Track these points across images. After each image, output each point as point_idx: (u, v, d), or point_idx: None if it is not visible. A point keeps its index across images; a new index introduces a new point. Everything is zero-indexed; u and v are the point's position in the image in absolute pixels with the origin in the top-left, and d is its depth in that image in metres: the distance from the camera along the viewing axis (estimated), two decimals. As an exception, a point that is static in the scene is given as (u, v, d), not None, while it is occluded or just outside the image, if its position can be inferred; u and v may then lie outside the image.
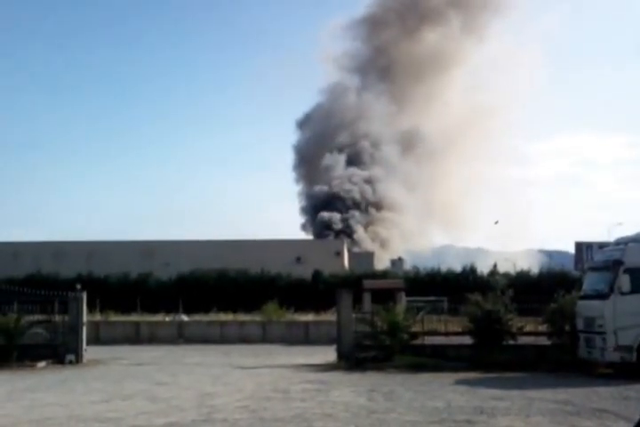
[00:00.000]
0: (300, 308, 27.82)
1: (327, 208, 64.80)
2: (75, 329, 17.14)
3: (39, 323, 17.24)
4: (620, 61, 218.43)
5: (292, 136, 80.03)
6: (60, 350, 16.82)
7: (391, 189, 66.68)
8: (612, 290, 13.19)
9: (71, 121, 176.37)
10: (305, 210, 70.80)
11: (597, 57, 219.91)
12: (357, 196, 65.99)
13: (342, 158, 69.23)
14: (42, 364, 16.17)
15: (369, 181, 67.22)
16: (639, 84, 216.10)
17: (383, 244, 64.44)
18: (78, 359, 16.88)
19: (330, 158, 68.68)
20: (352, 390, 11.65)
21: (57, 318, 17.33)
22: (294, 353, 19.29)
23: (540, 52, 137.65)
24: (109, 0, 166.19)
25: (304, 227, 69.73)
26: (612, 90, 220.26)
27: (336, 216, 63.55)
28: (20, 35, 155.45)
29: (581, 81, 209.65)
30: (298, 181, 76.11)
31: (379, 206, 66.64)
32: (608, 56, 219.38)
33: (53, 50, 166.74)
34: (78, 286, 17.96)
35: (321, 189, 67.15)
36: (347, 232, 62.19)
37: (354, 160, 69.77)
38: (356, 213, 64.68)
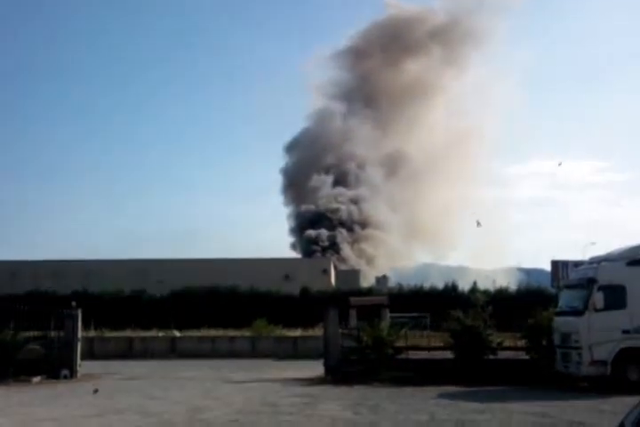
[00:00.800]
0: (289, 323, 27.59)
1: (314, 226, 64.75)
2: (70, 345, 16.91)
3: (35, 339, 17.00)
4: (590, 91, 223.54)
5: (280, 161, 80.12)
6: (56, 366, 16.52)
7: (376, 209, 66.93)
8: (586, 307, 13.21)
9: (68, 143, 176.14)
10: (294, 230, 70.71)
11: (570, 86, 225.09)
12: (344, 214, 66.09)
13: (329, 179, 69.51)
14: (37, 379, 15.87)
15: (355, 201, 67.44)
16: (608, 113, 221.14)
17: (369, 261, 64.41)
18: (73, 374, 16.61)
19: (317, 179, 68.92)
20: (339, 403, 11.53)
21: (53, 334, 17.12)
22: (283, 367, 19.08)
23: (517, 80, 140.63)
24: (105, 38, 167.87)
25: (294, 247, 69.59)
26: (583, 117, 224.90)
27: (323, 233, 63.46)
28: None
29: (554, 108, 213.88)
30: (287, 204, 76.03)
31: (364, 225, 66.77)
32: (579, 85, 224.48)
33: (59, 65, 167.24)
34: (74, 304, 17.77)
35: (308, 207, 67.16)
36: (334, 248, 62.10)
37: (340, 181, 70.13)
38: (343, 231, 64.67)
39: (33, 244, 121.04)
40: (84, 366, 17.35)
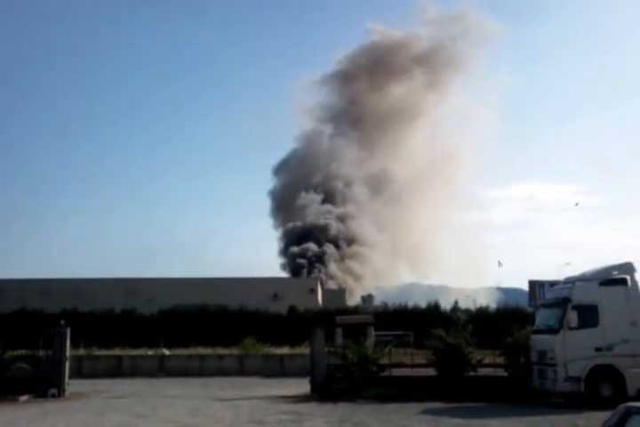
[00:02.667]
0: (277, 342, 27.54)
1: (302, 242, 64.30)
2: (58, 363, 16.70)
3: (23, 358, 16.79)
4: (566, 117, 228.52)
5: (269, 183, 79.93)
6: (43, 384, 16.30)
7: (363, 227, 67.11)
8: (561, 325, 13.53)
9: (60, 163, 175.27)
10: (283, 251, 70.23)
11: (547, 112, 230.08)
12: (332, 230, 65.91)
13: (317, 197, 69.54)
14: (24, 397, 15.65)
15: (342, 218, 67.46)
16: (583, 139, 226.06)
17: (356, 278, 64.33)
18: (61, 393, 16.37)
19: (305, 198, 68.83)
20: (324, 420, 11.64)
21: (41, 352, 16.90)
22: (270, 385, 19.07)
23: (496, 106, 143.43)
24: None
25: (283, 267, 69.03)
26: (559, 143, 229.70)
27: (311, 247, 62.95)
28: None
29: (532, 134, 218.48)
30: (276, 227, 75.01)
31: (351, 242, 66.64)
32: (556, 111, 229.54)
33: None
34: (62, 322, 17.63)
35: (295, 224, 66.86)
36: (321, 262, 61.73)
37: (327, 199, 70.26)
38: (331, 246, 64.37)
39: (20, 263, 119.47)
40: (72, 385, 17.16)
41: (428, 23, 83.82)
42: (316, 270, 59.72)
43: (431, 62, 78.61)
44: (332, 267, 62.76)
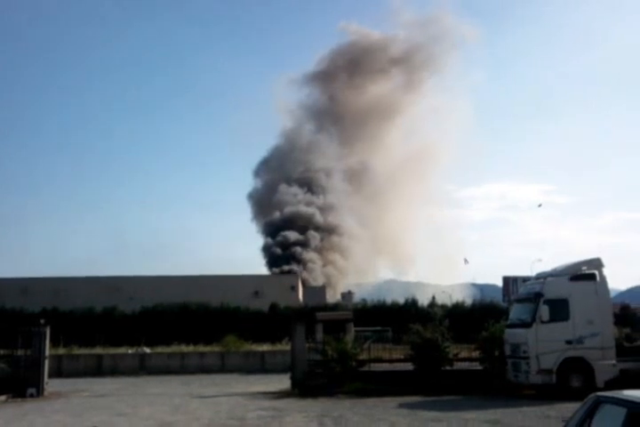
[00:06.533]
0: (259, 338, 27.46)
1: (283, 231, 63.46)
2: (37, 363, 16.44)
3: (1, 357, 16.50)
4: (537, 118, 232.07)
5: (250, 185, 78.48)
6: (22, 384, 16.00)
7: (343, 220, 66.95)
8: (534, 319, 13.71)
9: (40, 162, 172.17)
10: (265, 249, 69.30)
11: (519, 113, 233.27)
12: (313, 218, 65.30)
13: (298, 191, 68.99)
14: (2, 398, 15.36)
15: (322, 209, 67.04)
16: (555, 139, 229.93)
17: (339, 271, 64.14)
18: (40, 393, 16.11)
19: (286, 192, 68.01)
20: (304, 415, 11.61)
21: (19, 352, 16.64)
22: (251, 382, 19.01)
23: (471, 106, 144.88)
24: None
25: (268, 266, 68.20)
26: (531, 143, 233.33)
27: (292, 235, 62.09)
28: None
29: (504, 134, 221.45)
30: (260, 230, 73.78)
31: (332, 232, 66.24)
32: (528, 113, 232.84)
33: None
34: (42, 321, 17.31)
35: (273, 217, 65.91)
36: (304, 247, 61.16)
37: (308, 190, 69.74)
38: (315, 234, 63.71)
39: (0, 261, 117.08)
40: (51, 385, 16.91)
41: (405, 25, 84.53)
42: (294, 263, 59.14)
43: (408, 63, 79.24)
44: (314, 256, 62.07)
